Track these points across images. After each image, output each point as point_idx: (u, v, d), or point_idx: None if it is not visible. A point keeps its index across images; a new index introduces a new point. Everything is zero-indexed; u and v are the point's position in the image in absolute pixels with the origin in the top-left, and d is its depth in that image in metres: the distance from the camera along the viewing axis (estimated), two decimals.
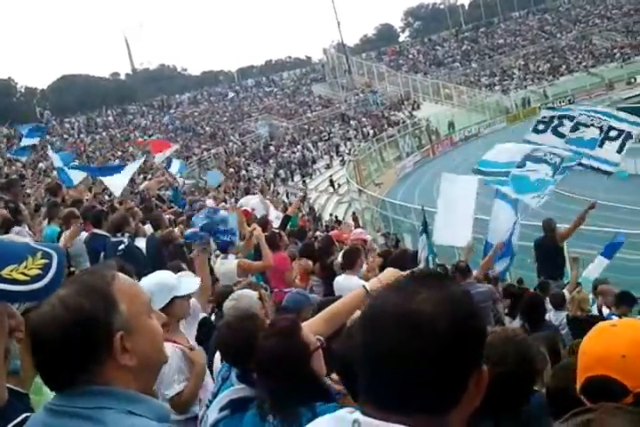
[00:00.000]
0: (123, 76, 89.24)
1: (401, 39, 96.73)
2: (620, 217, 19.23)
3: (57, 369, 1.49)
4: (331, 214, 31.23)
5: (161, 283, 3.78)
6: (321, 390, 2.82)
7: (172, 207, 13.78)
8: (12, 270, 1.17)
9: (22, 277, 1.18)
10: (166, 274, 4.07)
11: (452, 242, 10.53)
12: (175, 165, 19.97)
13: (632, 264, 13.57)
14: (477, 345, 1.26)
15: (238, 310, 4.01)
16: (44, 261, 1.21)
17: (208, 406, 3.31)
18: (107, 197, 14.58)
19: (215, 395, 3.30)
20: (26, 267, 1.19)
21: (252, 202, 12.78)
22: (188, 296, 3.90)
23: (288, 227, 11.19)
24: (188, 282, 4.01)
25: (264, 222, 9.67)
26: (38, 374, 1.60)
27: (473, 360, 1.25)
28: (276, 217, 11.72)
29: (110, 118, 58.35)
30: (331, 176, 41.20)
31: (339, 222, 28.47)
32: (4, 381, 1.22)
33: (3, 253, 1.19)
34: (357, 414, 1.26)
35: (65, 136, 51.60)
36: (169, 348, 3.43)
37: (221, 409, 3.10)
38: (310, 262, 8.40)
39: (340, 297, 5.32)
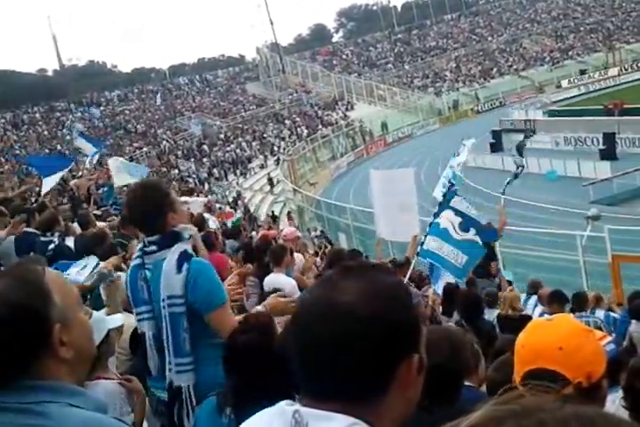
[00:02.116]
0: (50, 73, 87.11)
1: (334, 40, 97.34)
2: (549, 218, 19.72)
3: None
4: (268, 214, 31.21)
5: (94, 318, 3.74)
6: (289, 386, 2.82)
7: (105, 206, 13.48)
8: None
9: None
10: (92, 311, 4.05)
11: (397, 237, 10.49)
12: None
13: (560, 264, 13.92)
14: (402, 334, 1.26)
15: None
16: None
17: (146, 318, 3.50)
18: (33, 195, 14.23)
19: (149, 298, 3.47)
20: None
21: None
22: (119, 328, 3.89)
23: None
24: (113, 317, 4.05)
25: (200, 222, 9.56)
26: None
27: (398, 348, 1.26)
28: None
29: (37, 115, 56.79)
30: (269, 174, 41.11)
31: (274, 218, 28.63)
32: None
33: None
34: (297, 406, 1.28)
35: None
36: (110, 386, 3.44)
37: (179, 270, 3.32)
38: (250, 266, 8.35)
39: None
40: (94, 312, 3.89)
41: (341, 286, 1.27)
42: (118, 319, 3.87)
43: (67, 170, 13.92)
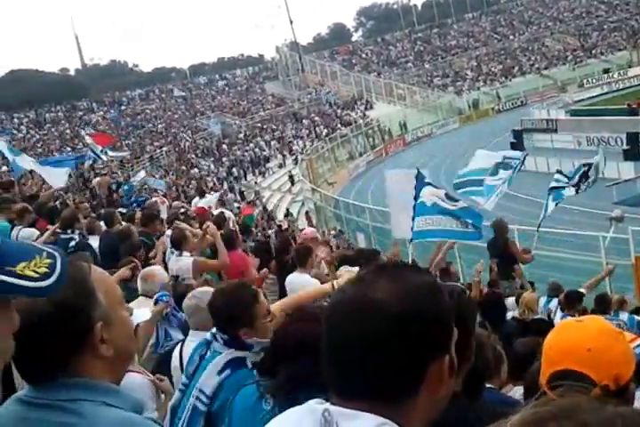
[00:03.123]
0: (72, 72, 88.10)
1: (354, 39, 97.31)
2: (572, 219, 19.53)
3: (37, 362, 1.49)
4: (288, 211, 31.37)
5: None
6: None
7: (127, 205, 13.62)
8: (24, 267, 1.21)
9: (33, 274, 1.22)
10: None
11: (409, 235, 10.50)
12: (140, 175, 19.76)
13: (582, 265, 13.79)
14: (434, 334, 1.25)
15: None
16: (49, 260, 1.26)
17: (182, 391, 3.35)
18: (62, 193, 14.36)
19: (191, 376, 3.33)
20: (35, 265, 1.23)
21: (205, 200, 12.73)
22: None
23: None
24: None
25: (221, 220, 9.61)
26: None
27: (429, 348, 1.24)
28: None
29: (60, 114, 57.44)
30: (290, 171, 41.22)
31: (287, 216, 28.90)
32: None
33: (15, 251, 1.24)
34: (327, 404, 1.28)
35: (14, 131, 50.74)
36: (140, 378, 3.46)
37: (220, 372, 3.17)
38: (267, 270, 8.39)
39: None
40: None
41: (374, 284, 1.27)
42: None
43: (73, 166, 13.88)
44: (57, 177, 12.69)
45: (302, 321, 2.83)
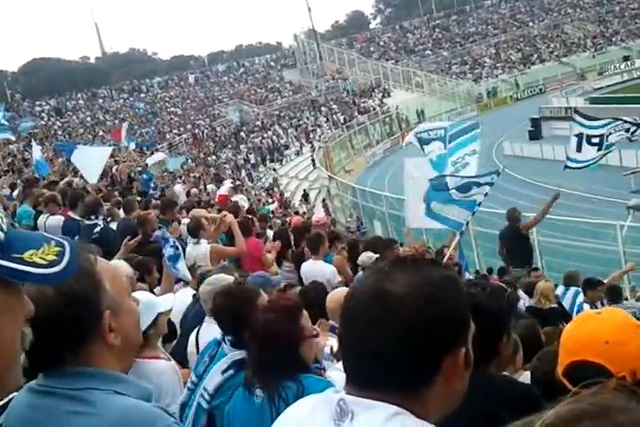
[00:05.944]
0: (92, 60, 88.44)
1: (372, 26, 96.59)
2: (589, 207, 19.43)
3: (46, 350, 1.49)
4: (305, 191, 31.35)
5: (146, 301, 3.74)
6: (305, 372, 2.88)
7: (146, 192, 13.71)
8: (31, 255, 1.20)
9: (41, 262, 1.21)
10: (145, 293, 4.09)
11: (425, 225, 10.35)
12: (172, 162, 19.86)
13: (599, 254, 13.72)
14: (450, 326, 1.26)
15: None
16: (58, 248, 1.26)
17: (190, 389, 3.35)
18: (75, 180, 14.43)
19: (201, 376, 3.34)
20: (43, 252, 1.23)
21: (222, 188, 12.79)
22: (168, 311, 3.88)
23: None
24: (165, 298, 4.08)
25: (235, 208, 9.67)
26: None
27: (444, 341, 1.26)
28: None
29: (81, 102, 57.69)
30: (312, 155, 41.07)
31: (306, 197, 28.88)
32: (20, 366, 1.25)
33: (23, 239, 1.23)
34: (342, 394, 1.29)
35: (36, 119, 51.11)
36: (166, 364, 3.48)
37: (224, 371, 3.19)
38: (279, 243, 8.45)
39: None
40: (145, 296, 3.94)
41: (393, 276, 1.27)
42: (168, 302, 3.90)
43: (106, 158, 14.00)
44: (92, 171, 12.68)
45: (272, 312, 2.95)
